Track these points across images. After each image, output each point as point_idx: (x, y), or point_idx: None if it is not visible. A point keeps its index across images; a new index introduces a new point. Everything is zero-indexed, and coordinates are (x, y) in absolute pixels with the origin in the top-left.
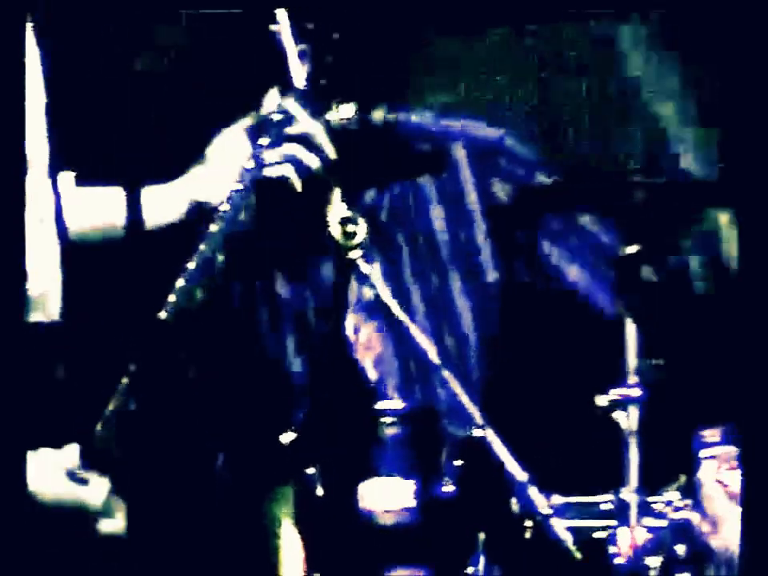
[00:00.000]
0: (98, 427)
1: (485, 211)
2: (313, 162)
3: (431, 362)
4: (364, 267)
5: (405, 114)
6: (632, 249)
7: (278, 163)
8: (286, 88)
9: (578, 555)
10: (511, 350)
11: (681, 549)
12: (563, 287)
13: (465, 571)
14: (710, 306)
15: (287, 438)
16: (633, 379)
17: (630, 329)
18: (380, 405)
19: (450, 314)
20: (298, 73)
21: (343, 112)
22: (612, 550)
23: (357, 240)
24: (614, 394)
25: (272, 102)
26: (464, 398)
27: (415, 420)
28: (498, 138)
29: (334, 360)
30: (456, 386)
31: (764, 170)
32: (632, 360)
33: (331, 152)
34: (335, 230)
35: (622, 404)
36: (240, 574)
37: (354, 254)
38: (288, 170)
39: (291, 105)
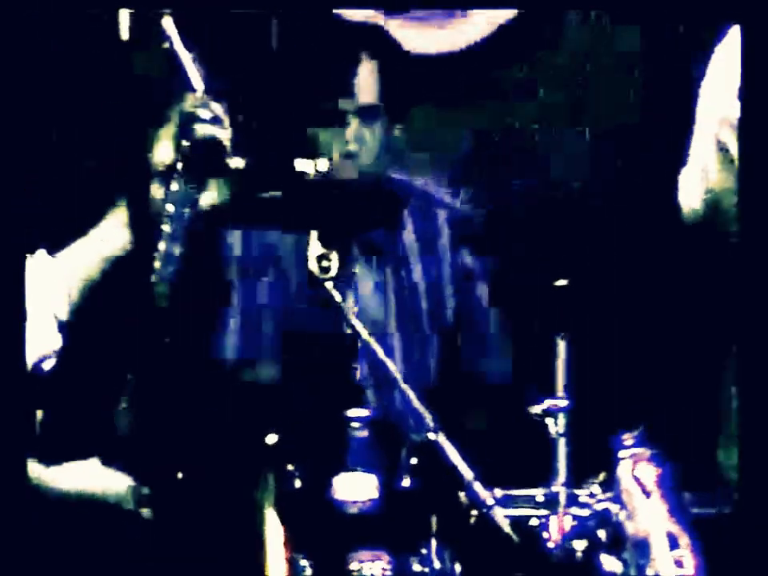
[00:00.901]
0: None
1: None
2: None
3: (394, 377)
4: (336, 295)
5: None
6: (562, 282)
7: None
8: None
9: (516, 539)
10: (461, 369)
11: (602, 534)
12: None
13: (420, 552)
14: (627, 329)
15: (271, 439)
16: (561, 391)
17: (560, 349)
18: (350, 412)
19: (411, 337)
20: (195, 77)
21: (319, 165)
22: (544, 534)
23: (330, 273)
24: (546, 404)
25: (178, 107)
26: (420, 408)
27: (379, 425)
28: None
29: (311, 373)
30: (414, 398)
31: None
32: (561, 375)
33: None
34: (312, 265)
35: (552, 412)
36: (231, 553)
37: (329, 285)
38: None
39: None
